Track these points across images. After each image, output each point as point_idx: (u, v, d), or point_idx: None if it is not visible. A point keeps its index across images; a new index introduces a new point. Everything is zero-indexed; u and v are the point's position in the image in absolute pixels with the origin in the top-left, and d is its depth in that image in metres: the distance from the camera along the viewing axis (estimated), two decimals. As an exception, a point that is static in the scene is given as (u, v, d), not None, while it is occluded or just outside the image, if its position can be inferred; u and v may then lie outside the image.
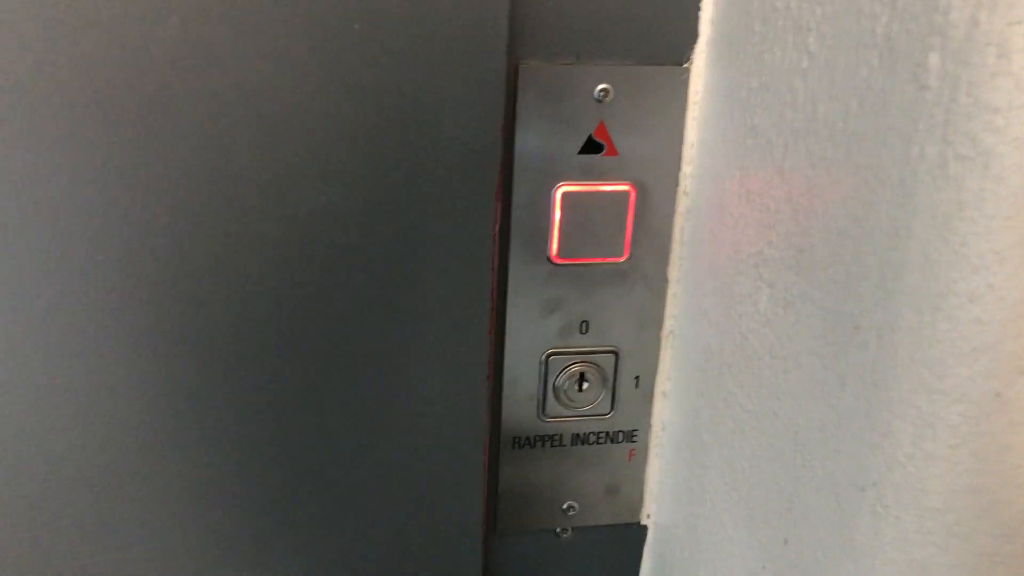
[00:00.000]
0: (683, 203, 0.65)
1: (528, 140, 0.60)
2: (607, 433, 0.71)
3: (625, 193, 0.63)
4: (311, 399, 0.62)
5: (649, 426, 0.71)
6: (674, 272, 0.67)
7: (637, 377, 0.69)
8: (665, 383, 0.71)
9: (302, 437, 0.63)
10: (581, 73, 0.59)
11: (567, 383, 0.68)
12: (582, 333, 0.67)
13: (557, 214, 0.62)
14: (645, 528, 0.76)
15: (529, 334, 0.66)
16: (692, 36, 0.60)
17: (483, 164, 0.59)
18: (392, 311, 0.61)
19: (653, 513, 0.75)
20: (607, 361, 0.68)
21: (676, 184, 0.64)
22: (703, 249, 0.63)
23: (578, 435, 0.70)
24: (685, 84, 0.61)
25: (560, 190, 0.62)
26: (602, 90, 0.60)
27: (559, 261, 0.64)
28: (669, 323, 0.68)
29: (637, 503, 0.74)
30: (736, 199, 0.57)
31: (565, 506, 0.72)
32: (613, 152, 0.62)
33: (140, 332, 0.58)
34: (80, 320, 0.57)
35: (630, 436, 0.71)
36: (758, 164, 0.53)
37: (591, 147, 0.61)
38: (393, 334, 0.62)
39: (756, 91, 0.53)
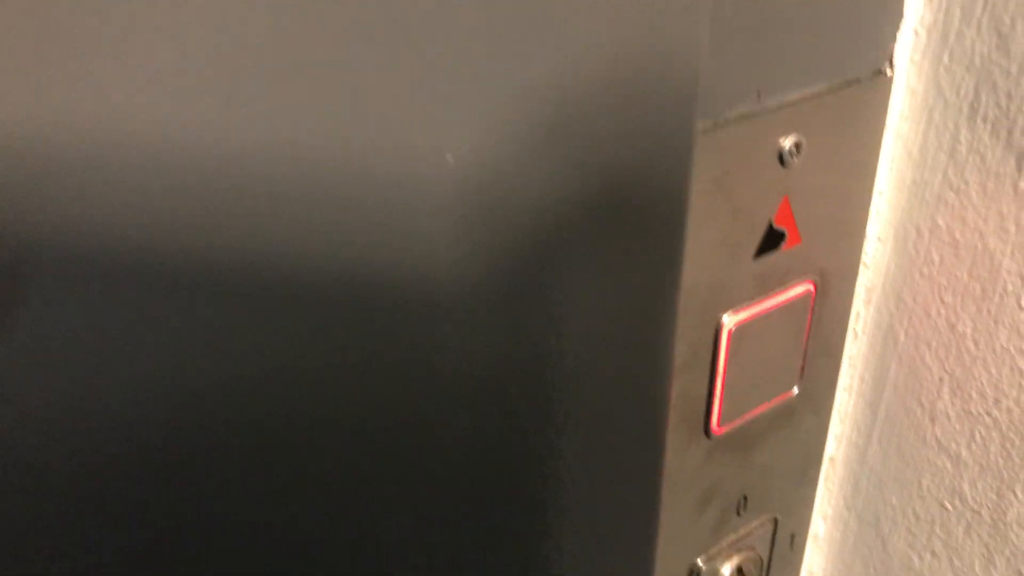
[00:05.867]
0: (863, 279, 0.41)
1: (690, 259, 0.33)
2: (754, 622, 0.47)
3: (806, 296, 0.38)
4: None
5: (796, 585, 0.49)
6: (845, 379, 0.43)
7: (792, 536, 0.46)
8: (817, 524, 0.48)
9: None
10: (763, 124, 0.32)
11: (720, 589, 0.43)
12: (739, 515, 0.42)
13: (722, 362, 0.36)
14: None
15: (678, 540, 0.40)
16: (894, 21, 0.35)
17: (658, 303, 0.32)
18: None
19: None
20: (765, 536, 0.44)
21: (858, 257, 0.40)
22: (903, 337, 0.40)
23: (724, 645, 0.46)
24: (884, 102, 0.36)
25: (728, 324, 0.35)
26: (793, 145, 0.33)
27: (721, 431, 0.38)
28: (831, 447, 0.45)
29: None
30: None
31: None
32: (796, 240, 0.36)
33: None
34: None
35: (777, 610, 0.48)
36: None
37: (770, 241, 0.35)
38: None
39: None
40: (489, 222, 0.27)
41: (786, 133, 0.33)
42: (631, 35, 0.26)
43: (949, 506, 0.41)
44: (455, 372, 0.29)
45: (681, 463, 0.37)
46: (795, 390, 0.40)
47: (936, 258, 0.38)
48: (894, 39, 0.35)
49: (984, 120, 0.35)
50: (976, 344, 0.38)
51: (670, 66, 0.27)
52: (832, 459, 0.46)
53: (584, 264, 0.30)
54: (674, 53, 0.27)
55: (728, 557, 0.42)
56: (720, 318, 0.35)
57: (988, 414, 0.38)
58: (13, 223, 0.22)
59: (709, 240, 0.33)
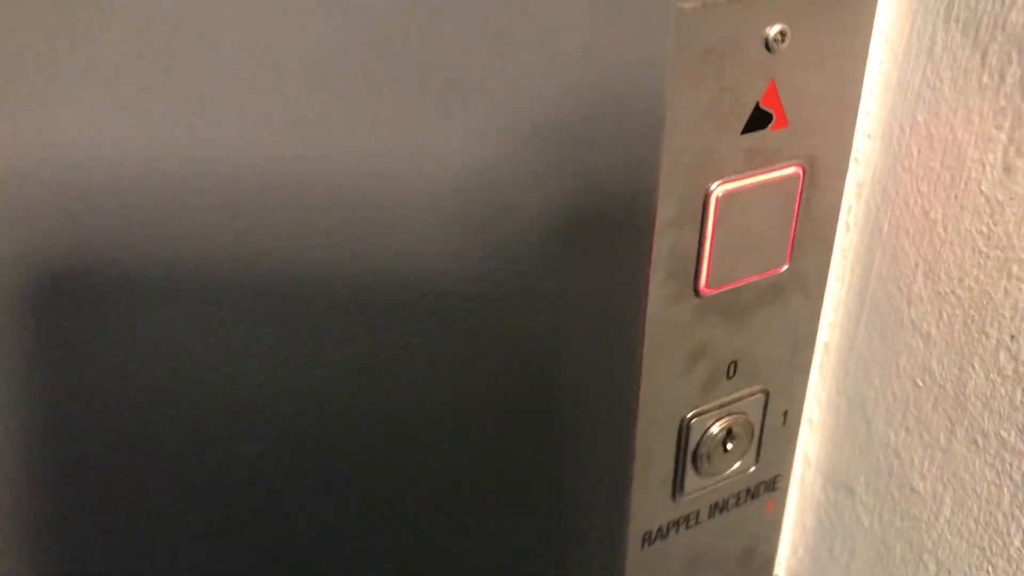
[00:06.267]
0: (854, 175, 0.46)
1: (679, 126, 0.39)
2: (748, 490, 0.52)
3: (794, 178, 0.43)
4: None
5: (791, 465, 0.54)
6: (837, 268, 0.48)
7: (785, 413, 0.51)
8: (812, 409, 0.53)
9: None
10: (750, 10, 0.38)
11: (710, 447, 0.48)
12: (729, 378, 0.47)
13: (711, 226, 0.42)
14: (776, 582, 0.59)
15: (667, 396, 0.45)
16: (882, -67, 0.40)
17: (641, 162, 0.37)
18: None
19: (787, 559, 0.59)
20: (756, 406, 0.49)
21: (848, 152, 0.44)
22: (886, 228, 0.45)
23: (716, 504, 0.52)
24: (870, 9, 0.41)
25: (717, 191, 0.41)
26: (778, 33, 0.39)
27: (709, 292, 0.43)
28: (824, 335, 0.50)
29: (772, 557, 0.57)
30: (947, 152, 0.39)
31: (697, 591, 0.54)
32: (783, 123, 0.41)
33: None
34: None
35: (772, 485, 0.53)
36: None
37: (757, 120, 0.41)
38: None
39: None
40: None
41: (771, 22, 0.38)
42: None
43: (920, 383, 0.46)
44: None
45: (669, 316, 0.43)
46: (784, 267, 0.45)
47: (915, 151, 0.43)
48: (881, -52, 0.40)
49: (956, 21, 0.39)
50: (945, 229, 0.42)
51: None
52: (827, 345, 0.50)
53: (564, 117, 0.36)
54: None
55: (719, 418, 0.48)
56: (708, 186, 0.41)
57: (953, 293, 0.43)
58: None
59: (697, 111, 0.39)
